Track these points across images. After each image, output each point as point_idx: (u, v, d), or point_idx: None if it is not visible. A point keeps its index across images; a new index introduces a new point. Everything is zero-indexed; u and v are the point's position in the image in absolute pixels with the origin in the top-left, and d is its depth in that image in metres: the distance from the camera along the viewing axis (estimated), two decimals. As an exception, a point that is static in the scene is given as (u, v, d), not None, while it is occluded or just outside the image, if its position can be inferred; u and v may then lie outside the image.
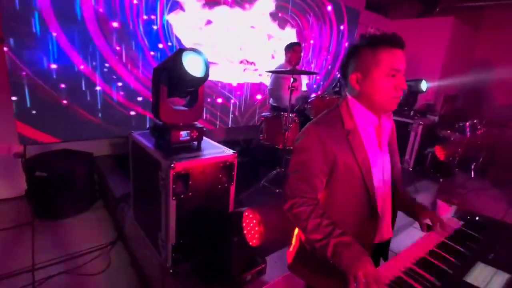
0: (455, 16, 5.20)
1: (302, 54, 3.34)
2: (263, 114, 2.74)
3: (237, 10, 3.44)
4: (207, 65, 1.55)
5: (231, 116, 3.70)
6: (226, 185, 1.63)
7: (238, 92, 3.73)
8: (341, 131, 0.97)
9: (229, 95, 3.64)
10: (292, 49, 3.19)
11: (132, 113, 2.96)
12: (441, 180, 3.54)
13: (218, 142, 1.84)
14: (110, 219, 2.55)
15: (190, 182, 1.45)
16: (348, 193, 0.99)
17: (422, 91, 3.72)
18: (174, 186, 1.39)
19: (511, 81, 5.31)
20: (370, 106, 0.99)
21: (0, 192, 2.62)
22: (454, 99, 5.89)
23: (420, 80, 3.65)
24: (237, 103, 3.73)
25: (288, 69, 3.17)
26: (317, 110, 2.64)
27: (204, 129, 1.71)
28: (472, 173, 4.17)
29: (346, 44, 5.13)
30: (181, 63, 1.45)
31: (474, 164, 4.20)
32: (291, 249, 1.19)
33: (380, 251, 1.13)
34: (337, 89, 3.55)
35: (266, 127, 2.73)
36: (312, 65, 4.64)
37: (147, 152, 1.61)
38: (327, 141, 0.95)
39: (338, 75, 5.29)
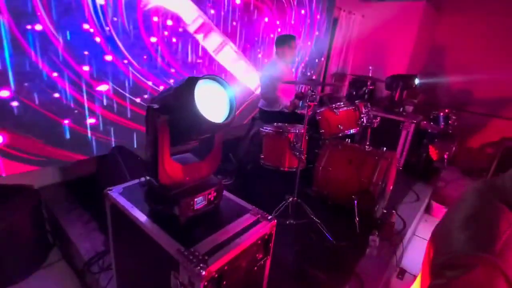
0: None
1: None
2: (265, 129, 2.22)
3: None
4: (233, 104, 1.03)
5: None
6: (262, 262, 1.20)
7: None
8: None
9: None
10: (287, 44, 2.69)
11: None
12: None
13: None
14: (73, 274, 1.96)
15: (225, 282, 0.99)
16: None
17: (413, 87, 3.56)
18: (204, 298, 0.92)
19: (465, 66, 5.47)
20: None
21: None
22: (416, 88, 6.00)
23: (413, 76, 3.47)
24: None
25: (280, 66, 2.74)
26: (329, 124, 2.21)
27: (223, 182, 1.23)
28: (445, 163, 4.26)
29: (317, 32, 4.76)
30: (192, 104, 0.92)
31: (447, 153, 4.29)
32: None
33: None
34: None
35: (268, 146, 2.24)
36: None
37: (144, 232, 1.07)
38: None
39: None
